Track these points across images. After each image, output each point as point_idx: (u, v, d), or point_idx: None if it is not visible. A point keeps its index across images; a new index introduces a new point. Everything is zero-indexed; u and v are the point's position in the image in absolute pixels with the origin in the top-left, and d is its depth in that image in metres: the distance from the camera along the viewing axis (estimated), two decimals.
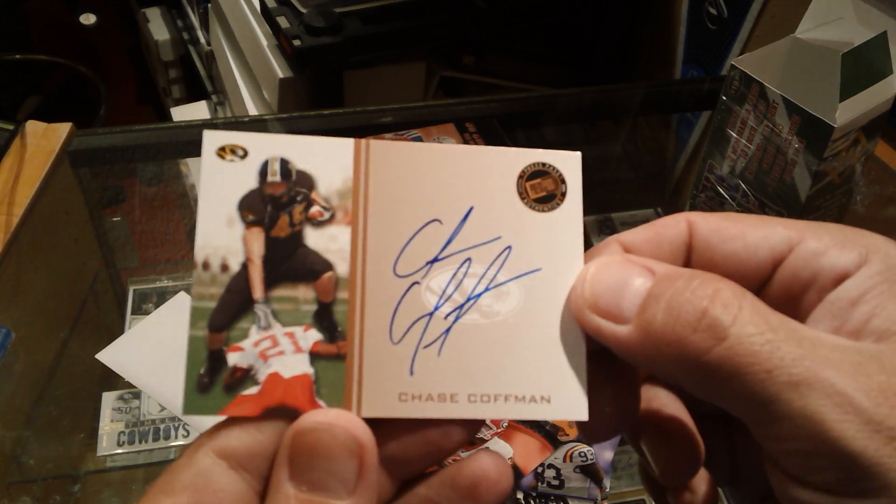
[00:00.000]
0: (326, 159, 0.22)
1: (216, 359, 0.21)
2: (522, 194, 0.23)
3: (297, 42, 0.76)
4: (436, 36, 0.85)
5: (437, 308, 0.22)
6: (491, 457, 0.21)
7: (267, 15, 0.81)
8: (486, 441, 0.50)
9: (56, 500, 0.53)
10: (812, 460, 0.18)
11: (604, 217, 0.74)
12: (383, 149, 0.22)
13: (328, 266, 0.21)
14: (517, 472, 0.49)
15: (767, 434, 0.19)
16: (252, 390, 0.20)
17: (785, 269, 0.21)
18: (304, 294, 0.21)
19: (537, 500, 0.49)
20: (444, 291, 0.22)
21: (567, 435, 0.51)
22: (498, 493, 0.21)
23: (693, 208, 0.61)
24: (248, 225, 0.21)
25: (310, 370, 0.21)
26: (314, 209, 0.21)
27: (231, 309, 0.21)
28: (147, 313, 0.63)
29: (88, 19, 1.77)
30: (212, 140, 0.21)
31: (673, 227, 0.23)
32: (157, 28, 1.54)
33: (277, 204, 0.21)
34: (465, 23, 0.84)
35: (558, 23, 1.03)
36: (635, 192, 0.88)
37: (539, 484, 0.49)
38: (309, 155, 0.22)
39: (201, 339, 0.20)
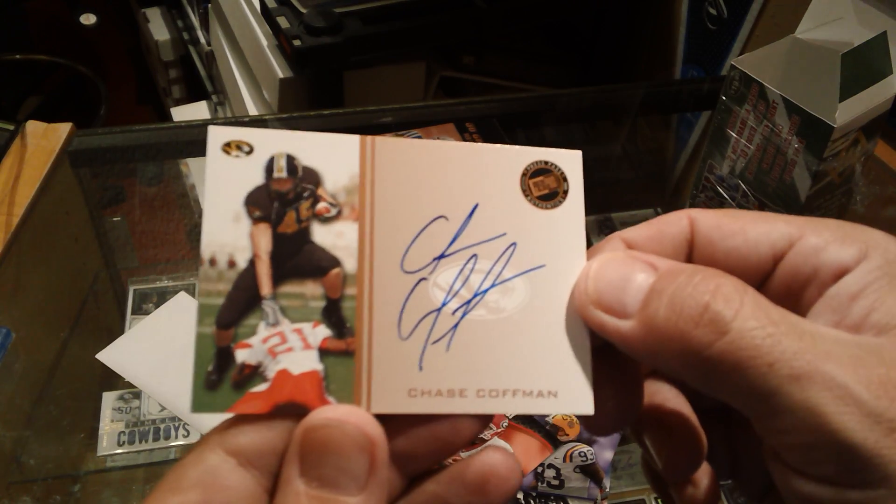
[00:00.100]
0: (332, 156, 0.22)
1: (224, 356, 0.20)
2: (526, 192, 0.23)
3: (297, 42, 0.76)
4: (436, 36, 0.85)
5: (444, 304, 0.22)
6: (500, 453, 0.21)
7: (267, 15, 0.81)
8: (486, 441, 0.50)
9: (56, 500, 0.53)
10: (813, 452, 0.18)
11: (604, 217, 0.75)
12: (389, 145, 0.22)
13: (336, 262, 0.21)
14: None
15: (769, 427, 0.19)
16: (261, 387, 0.20)
17: (785, 264, 0.22)
18: (312, 290, 0.21)
19: (537, 500, 0.49)
20: (451, 287, 0.22)
21: (567, 435, 0.51)
22: (507, 490, 0.21)
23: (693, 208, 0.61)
24: (255, 221, 0.21)
25: (319, 367, 0.21)
26: (321, 205, 0.21)
27: (239, 305, 0.21)
28: (147, 313, 0.62)
29: (88, 19, 1.77)
30: (217, 136, 0.21)
31: (674, 223, 0.23)
32: (158, 28, 1.54)
33: (284, 200, 0.21)
34: (465, 23, 0.84)
35: (558, 23, 1.03)
36: (635, 192, 0.88)
37: (539, 484, 0.49)
38: (315, 151, 0.22)
39: (209, 337, 0.20)
